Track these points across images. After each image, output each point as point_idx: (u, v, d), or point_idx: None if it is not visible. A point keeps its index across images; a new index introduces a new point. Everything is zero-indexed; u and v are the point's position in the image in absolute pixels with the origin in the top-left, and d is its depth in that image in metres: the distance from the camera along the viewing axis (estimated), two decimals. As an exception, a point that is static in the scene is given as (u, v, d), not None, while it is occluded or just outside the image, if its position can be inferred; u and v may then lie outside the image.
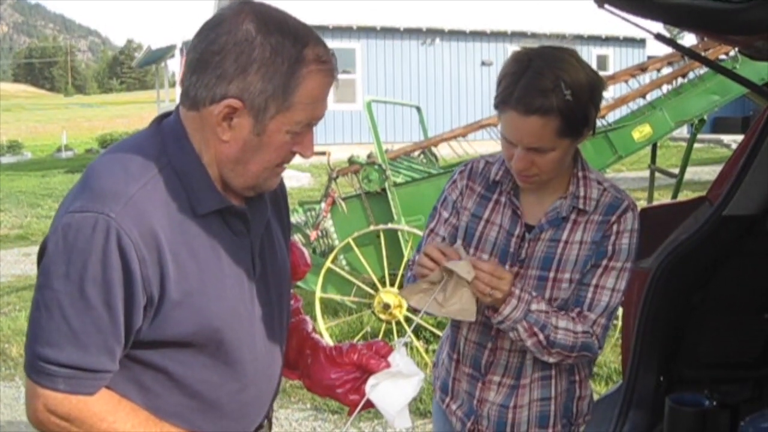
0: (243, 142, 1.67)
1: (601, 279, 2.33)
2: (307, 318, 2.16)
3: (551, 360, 2.32)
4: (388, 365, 1.89)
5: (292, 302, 2.15)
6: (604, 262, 2.33)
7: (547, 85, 2.14)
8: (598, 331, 2.33)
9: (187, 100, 1.69)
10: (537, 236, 2.36)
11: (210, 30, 1.64)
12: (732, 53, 7.06)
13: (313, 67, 1.65)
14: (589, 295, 2.33)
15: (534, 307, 2.25)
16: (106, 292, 1.57)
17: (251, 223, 1.80)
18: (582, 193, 2.34)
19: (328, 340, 4.66)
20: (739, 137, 21.79)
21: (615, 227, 2.33)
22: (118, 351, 1.64)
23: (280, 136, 1.67)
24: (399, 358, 1.90)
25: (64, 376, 1.60)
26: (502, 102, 2.24)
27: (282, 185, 2.05)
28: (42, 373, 1.60)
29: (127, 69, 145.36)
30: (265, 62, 1.61)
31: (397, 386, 1.87)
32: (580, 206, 2.34)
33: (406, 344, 1.95)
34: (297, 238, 6.98)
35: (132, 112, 52.73)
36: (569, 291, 2.33)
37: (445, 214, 2.49)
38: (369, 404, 1.89)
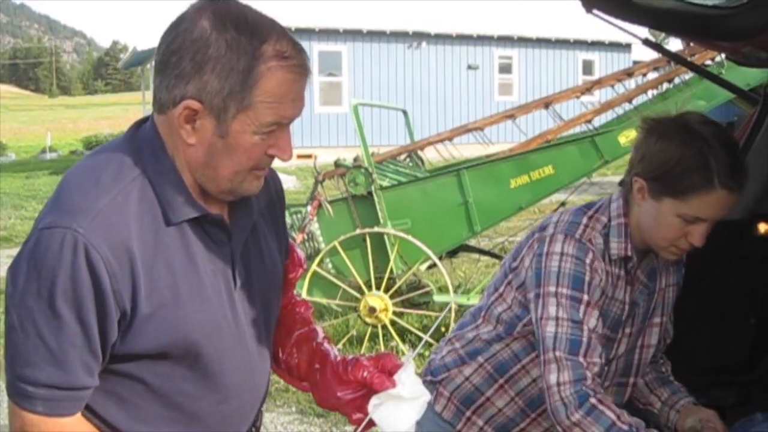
0: (208, 145, 1.61)
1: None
2: (318, 328, 2.08)
3: None
4: (393, 384, 1.81)
5: (302, 309, 2.10)
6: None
7: (741, 159, 2.17)
8: None
9: (156, 104, 1.64)
10: (648, 297, 2.38)
11: (170, 31, 1.60)
12: (718, 59, 7.10)
13: (273, 64, 1.57)
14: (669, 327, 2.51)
15: None
16: (78, 307, 1.54)
17: (232, 230, 1.75)
18: None
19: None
20: (724, 142, 21.94)
21: (681, 262, 2.48)
22: (96, 366, 1.61)
23: (247, 137, 1.60)
24: (405, 376, 1.82)
25: (42, 398, 1.57)
26: (699, 186, 2.11)
27: (279, 186, 2.01)
28: (21, 394, 1.58)
29: (112, 70, 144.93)
30: (220, 60, 1.55)
31: (399, 408, 1.80)
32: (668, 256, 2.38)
33: (420, 354, 1.88)
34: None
35: (117, 114, 52.55)
36: (657, 336, 2.44)
37: (594, 303, 2.22)
38: (372, 423, 1.83)
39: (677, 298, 2.52)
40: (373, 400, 1.81)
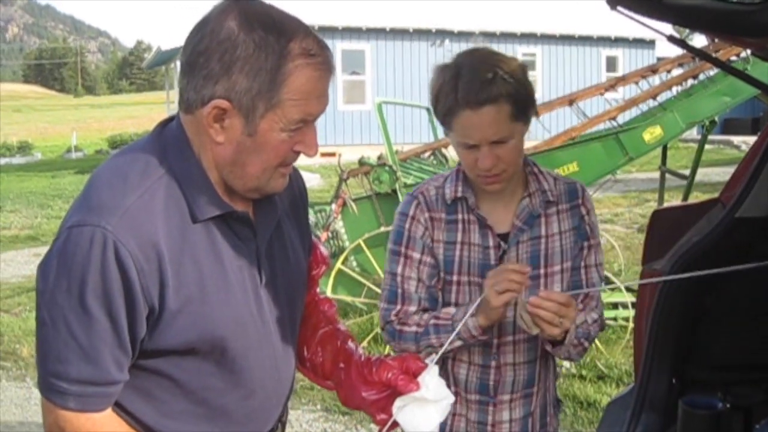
0: (237, 144, 1.64)
1: (587, 259, 2.41)
2: (342, 326, 2.09)
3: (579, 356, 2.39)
4: (417, 386, 1.82)
5: (326, 308, 2.12)
6: (587, 243, 2.41)
7: (487, 75, 2.16)
8: (601, 306, 2.45)
9: (183, 104, 1.67)
10: (518, 240, 2.35)
11: (196, 32, 1.62)
12: (743, 55, 7.05)
13: (300, 61, 1.60)
14: (584, 276, 2.40)
15: (579, 321, 2.27)
16: (108, 303, 1.56)
17: (257, 227, 1.78)
18: (546, 186, 2.38)
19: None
20: (749, 138, 21.65)
21: (583, 209, 2.41)
22: (126, 361, 1.64)
23: (275, 134, 1.63)
24: (429, 378, 1.83)
25: (74, 394, 1.60)
26: (450, 109, 2.20)
27: (302, 185, 2.03)
28: (53, 390, 1.61)
29: (136, 70, 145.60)
30: (248, 60, 1.57)
31: (423, 410, 1.81)
32: (550, 199, 2.37)
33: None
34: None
35: (142, 113, 52.82)
36: (563, 282, 2.37)
37: (417, 255, 2.35)
38: (397, 424, 1.84)
39: (700, 296, 2.50)
40: (398, 402, 1.83)
